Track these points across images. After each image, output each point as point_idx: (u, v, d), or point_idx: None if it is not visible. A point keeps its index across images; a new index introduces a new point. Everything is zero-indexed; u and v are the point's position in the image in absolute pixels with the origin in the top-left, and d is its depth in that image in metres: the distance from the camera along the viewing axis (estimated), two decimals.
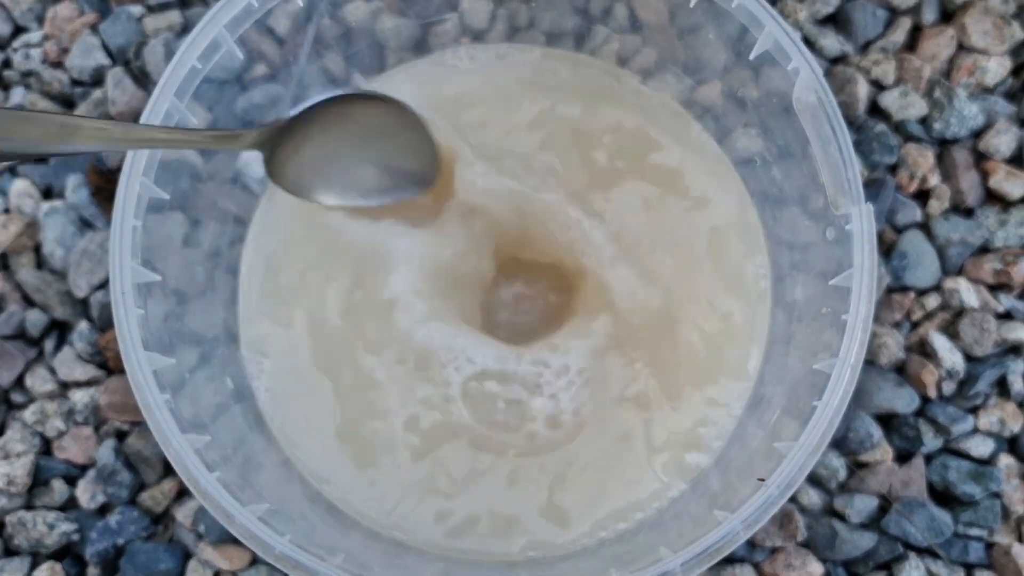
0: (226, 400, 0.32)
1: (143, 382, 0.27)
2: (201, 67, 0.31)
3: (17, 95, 0.40)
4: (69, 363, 0.37)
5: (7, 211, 0.39)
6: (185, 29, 0.41)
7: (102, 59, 0.40)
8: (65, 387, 0.38)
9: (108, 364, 0.37)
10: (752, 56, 0.32)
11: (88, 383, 0.37)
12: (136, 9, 0.41)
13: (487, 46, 0.39)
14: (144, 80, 0.40)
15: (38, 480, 0.36)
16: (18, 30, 0.42)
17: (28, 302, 0.38)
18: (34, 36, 0.41)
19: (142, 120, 0.30)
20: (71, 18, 0.41)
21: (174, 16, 0.41)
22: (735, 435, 0.33)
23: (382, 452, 0.34)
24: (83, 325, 0.37)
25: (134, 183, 0.30)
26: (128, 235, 0.29)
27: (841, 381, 0.28)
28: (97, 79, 0.40)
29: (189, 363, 0.32)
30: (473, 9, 0.39)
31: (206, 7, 0.42)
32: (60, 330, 0.38)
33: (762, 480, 0.27)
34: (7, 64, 0.41)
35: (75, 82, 0.41)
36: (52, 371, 0.38)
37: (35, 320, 0.38)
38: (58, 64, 0.41)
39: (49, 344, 0.38)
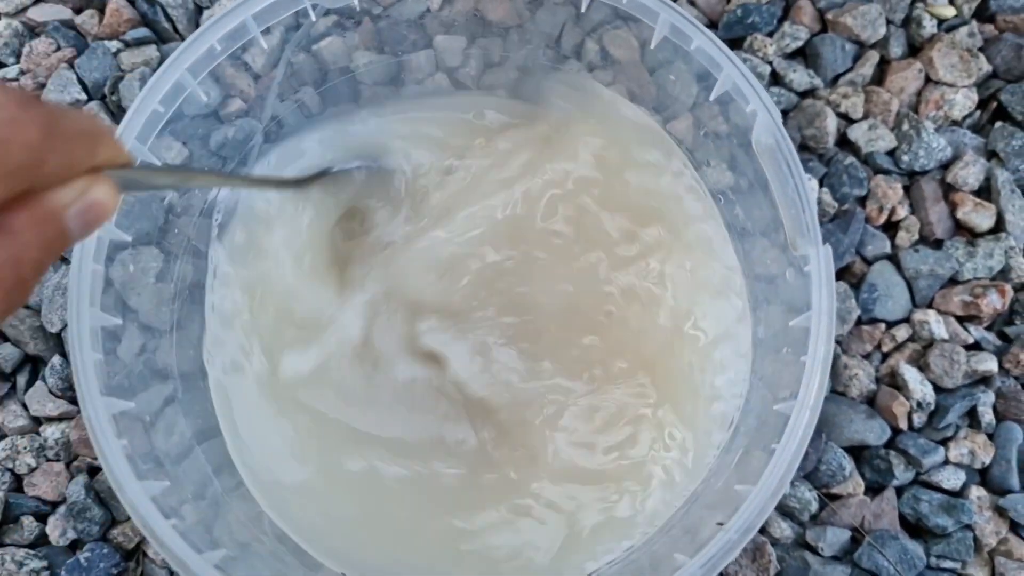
0: (192, 439, 0.32)
1: (98, 429, 0.27)
2: (164, 110, 0.31)
3: None
4: (41, 398, 0.37)
5: None
6: (161, 64, 0.41)
7: (78, 94, 0.40)
8: (37, 422, 0.38)
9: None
10: (712, 98, 0.32)
11: (60, 418, 0.37)
12: (113, 44, 0.41)
13: None
14: (120, 114, 0.40)
15: (8, 517, 0.36)
16: None
17: (1, 337, 0.38)
18: (11, 71, 0.41)
19: None
20: (48, 53, 0.41)
21: (150, 51, 0.41)
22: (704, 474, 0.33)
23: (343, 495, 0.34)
24: (56, 360, 0.37)
25: None
26: (87, 280, 0.29)
27: (800, 424, 0.28)
28: None
29: (156, 403, 0.32)
30: (447, 45, 0.40)
31: (183, 42, 0.42)
32: (33, 365, 0.38)
33: (721, 524, 0.27)
34: None
35: None
36: (24, 406, 0.37)
37: (8, 355, 0.38)
38: None
39: (22, 379, 0.38)
